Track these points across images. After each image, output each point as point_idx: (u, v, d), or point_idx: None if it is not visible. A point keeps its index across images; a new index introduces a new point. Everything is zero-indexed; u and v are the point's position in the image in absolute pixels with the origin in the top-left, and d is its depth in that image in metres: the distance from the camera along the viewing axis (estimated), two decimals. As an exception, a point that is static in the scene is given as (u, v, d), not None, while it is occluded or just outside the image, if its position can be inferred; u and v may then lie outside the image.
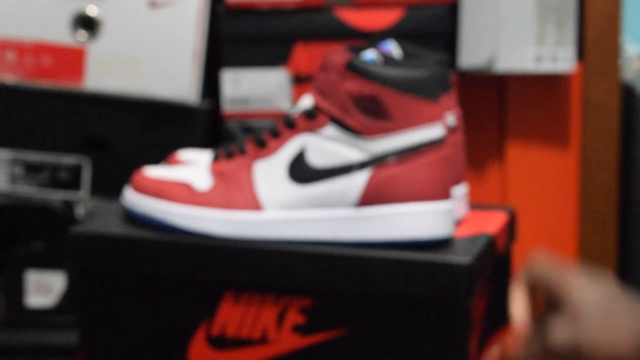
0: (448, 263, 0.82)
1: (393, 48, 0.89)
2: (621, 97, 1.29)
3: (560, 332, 0.76)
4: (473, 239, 0.88)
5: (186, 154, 0.99)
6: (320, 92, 0.84)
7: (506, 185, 1.30)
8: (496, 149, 1.32)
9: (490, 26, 1.23)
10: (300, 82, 1.21)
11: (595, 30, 1.27)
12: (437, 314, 0.83)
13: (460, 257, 0.82)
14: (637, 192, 1.29)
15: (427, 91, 0.83)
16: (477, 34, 1.25)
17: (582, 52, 1.28)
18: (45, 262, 1.27)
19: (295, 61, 1.21)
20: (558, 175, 1.30)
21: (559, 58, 1.23)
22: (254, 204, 0.85)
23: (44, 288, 1.27)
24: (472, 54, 1.25)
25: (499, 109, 1.31)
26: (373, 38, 0.91)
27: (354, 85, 0.83)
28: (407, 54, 0.91)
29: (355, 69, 0.83)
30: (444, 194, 0.84)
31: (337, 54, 0.84)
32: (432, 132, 0.84)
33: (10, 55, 1.19)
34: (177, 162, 0.97)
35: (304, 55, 1.21)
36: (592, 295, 0.76)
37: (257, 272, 0.85)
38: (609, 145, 1.28)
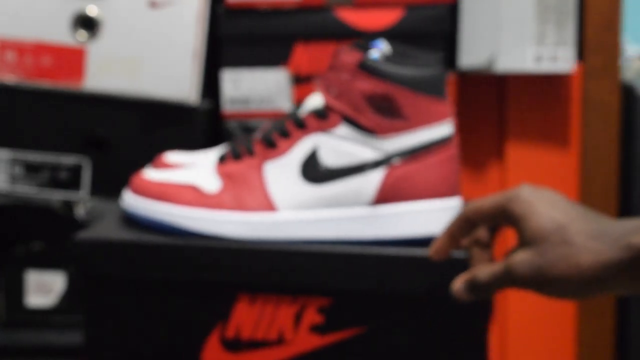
0: (466, 258, 0.83)
1: (385, 47, 0.89)
2: (621, 97, 1.29)
3: (520, 262, 0.72)
4: None
5: (173, 156, 0.99)
6: (332, 92, 0.85)
7: (506, 185, 1.30)
8: (496, 149, 1.31)
9: (490, 26, 1.23)
10: (300, 82, 1.21)
11: (595, 30, 1.27)
12: (455, 309, 0.83)
13: None
14: (637, 192, 1.29)
15: (437, 89, 0.84)
16: (477, 34, 1.25)
17: (582, 52, 1.28)
18: (45, 262, 1.27)
19: (295, 61, 1.21)
20: (558, 175, 1.30)
21: (559, 58, 1.23)
22: (267, 205, 0.85)
23: (44, 288, 1.27)
24: (472, 54, 1.25)
25: (499, 109, 1.31)
26: (370, 38, 0.91)
27: (367, 85, 0.83)
28: (399, 54, 0.91)
29: (368, 69, 0.83)
30: (453, 191, 0.86)
31: (348, 53, 0.84)
32: (442, 130, 0.85)
33: (10, 55, 1.19)
34: (164, 165, 0.97)
35: (304, 55, 1.21)
36: (547, 219, 0.71)
37: (273, 273, 0.85)
38: (609, 145, 1.28)
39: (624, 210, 1.31)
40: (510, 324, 1.28)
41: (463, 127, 1.22)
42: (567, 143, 1.29)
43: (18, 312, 1.27)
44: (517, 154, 1.30)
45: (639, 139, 1.29)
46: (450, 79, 1.24)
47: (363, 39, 0.90)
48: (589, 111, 1.28)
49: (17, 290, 1.27)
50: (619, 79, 1.28)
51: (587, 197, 1.29)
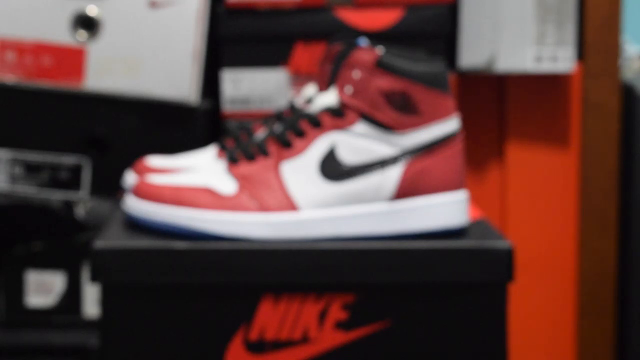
0: (491, 249, 0.85)
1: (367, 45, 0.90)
2: (621, 97, 1.29)
3: None
4: (478, 224, 0.92)
5: (155, 160, 0.98)
6: (347, 90, 0.85)
7: (506, 185, 1.30)
8: (496, 149, 1.32)
9: (490, 26, 1.23)
10: (300, 82, 1.21)
11: (595, 30, 1.27)
12: (478, 299, 0.86)
13: (501, 242, 0.85)
14: (637, 192, 1.29)
15: (445, 85, 0.87)
16: (477, 34, 1.25)
17: (582, 52, 1.28)
18: (45, 262, 1.27)
19: (295, 61, 1.21)
20: (558, 175, 1.30)
21: (559, 58, 1.23)
22: (289, 205, 0.85)
23: (44, 288, 1.27)
24: (472, 54, 1.25)
25: (499, 109, 1.31)
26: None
27: (384, 82, 0.85)
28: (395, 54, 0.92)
29: (385, 66, 0.85)
30: (462, 184, 0.88)
31: (364, 52, 0.85)
32: (452, 124, 0.87)
33: (10, 55, 1.19)
34: (147, 169, 0.96)
35: (304, 55, 1.21)
36: None
37: (297, 272, 0.85)
38: (609, 145, 1.28)
39: (624, 210, 1.31)
40: (511, 324, 1.28)
41: (463, 127, 1.22)
42: (567, 143, 1.29)
43: (18, 312, 1.27)
44: (517, 154, 1.30)
45: (639, 139, 1.29)
46: (450, 79, 1.24)
47: (348, 36, 0.91)
48: (589, 111, 1.28)
49: (17, 290, 1.27)
50: (619, 79, 1.28)
51: (587, 197, 1.29)
